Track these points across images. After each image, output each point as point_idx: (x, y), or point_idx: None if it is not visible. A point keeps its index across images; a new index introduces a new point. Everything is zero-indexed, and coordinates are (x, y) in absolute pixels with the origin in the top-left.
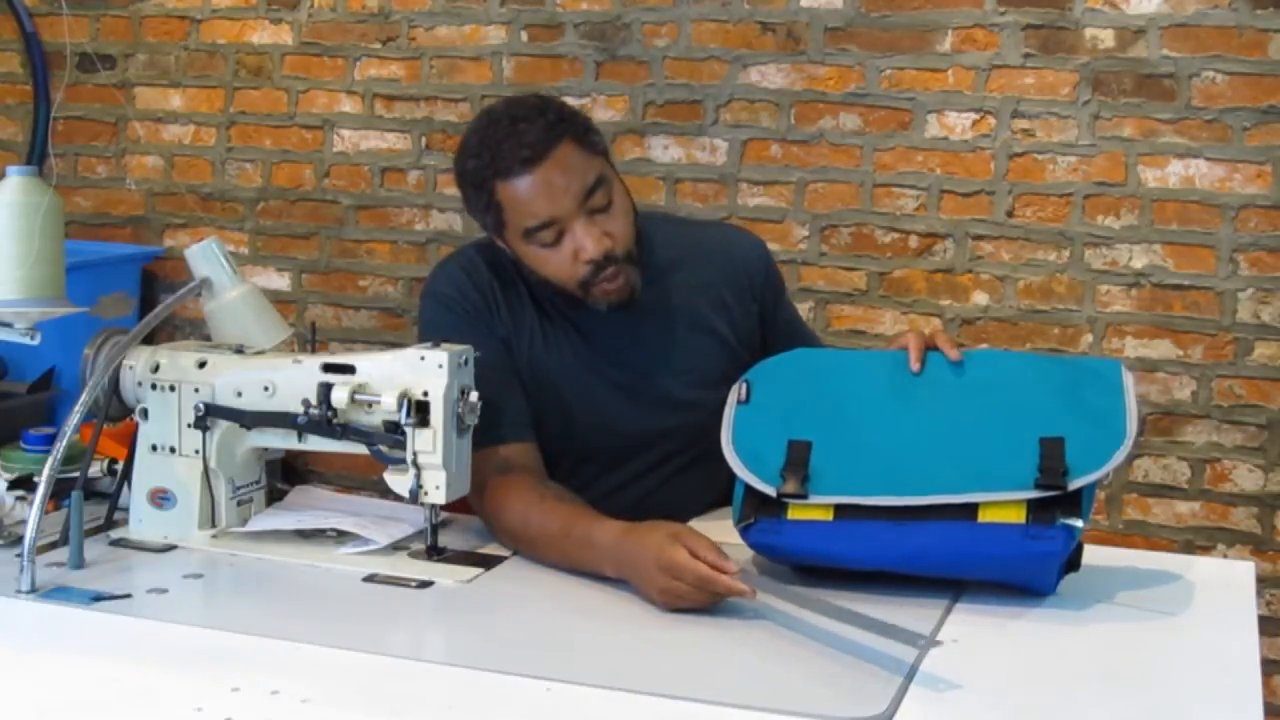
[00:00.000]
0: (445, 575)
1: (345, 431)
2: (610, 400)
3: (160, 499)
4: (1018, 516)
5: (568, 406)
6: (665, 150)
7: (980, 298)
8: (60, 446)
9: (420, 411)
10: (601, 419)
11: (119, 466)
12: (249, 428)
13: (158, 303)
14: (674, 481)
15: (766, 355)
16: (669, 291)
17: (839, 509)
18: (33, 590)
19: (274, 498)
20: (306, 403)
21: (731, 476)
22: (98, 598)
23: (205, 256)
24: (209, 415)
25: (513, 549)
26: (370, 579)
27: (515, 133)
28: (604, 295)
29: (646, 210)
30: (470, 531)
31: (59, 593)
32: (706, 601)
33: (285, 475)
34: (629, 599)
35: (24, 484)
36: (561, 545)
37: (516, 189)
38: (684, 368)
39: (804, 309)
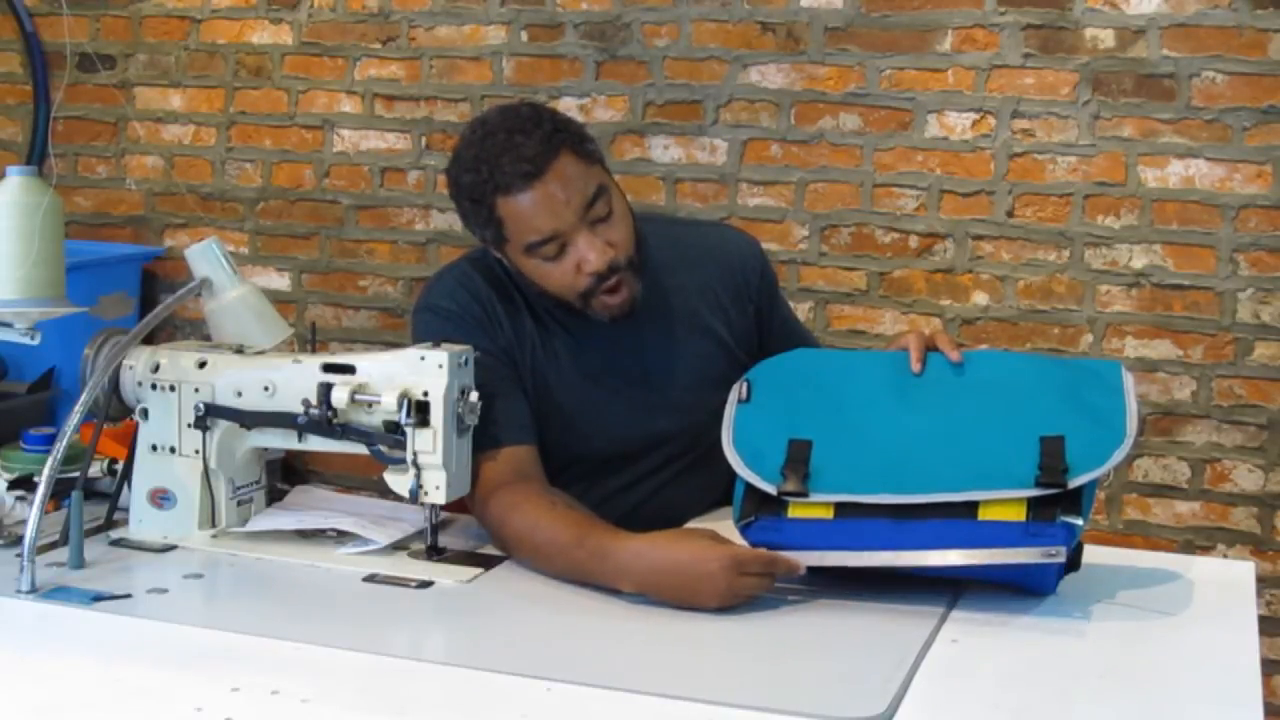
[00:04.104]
0: (445, 575)
1: (345, 431)
2: (610, 406)
3: (160, 499)
4: (1018, 514)
5: (568, 414)
6: (665, 150)
7: (980, 298)
8: (60, 446)
9: (420, 411)
10: (602, 425)
11: (119, 466)
12: (249, 428)
13: (158, 303)
14: (674, 484)
15: (763, 355)
16: (665, 294)
17: (839, 507)
18: (33, 590)
19: (274, 498)
20: (306, 403)
21: (730, 478)
22: (98, 598)
23: (205, 256)
24: (209, 415)
25: (513, 556)
26: (370, 579)
27: (513, 146)
28: (604, 309)
29: (641, 211)
30: (470, 531)
31: (59, 593)
32: (769, 588)
33: (285, 475)
34: (628, 598)
35: (24, 484)
36: (572, 555)
37: (518, 204)
38: (682, 370)
39: (804, 309)
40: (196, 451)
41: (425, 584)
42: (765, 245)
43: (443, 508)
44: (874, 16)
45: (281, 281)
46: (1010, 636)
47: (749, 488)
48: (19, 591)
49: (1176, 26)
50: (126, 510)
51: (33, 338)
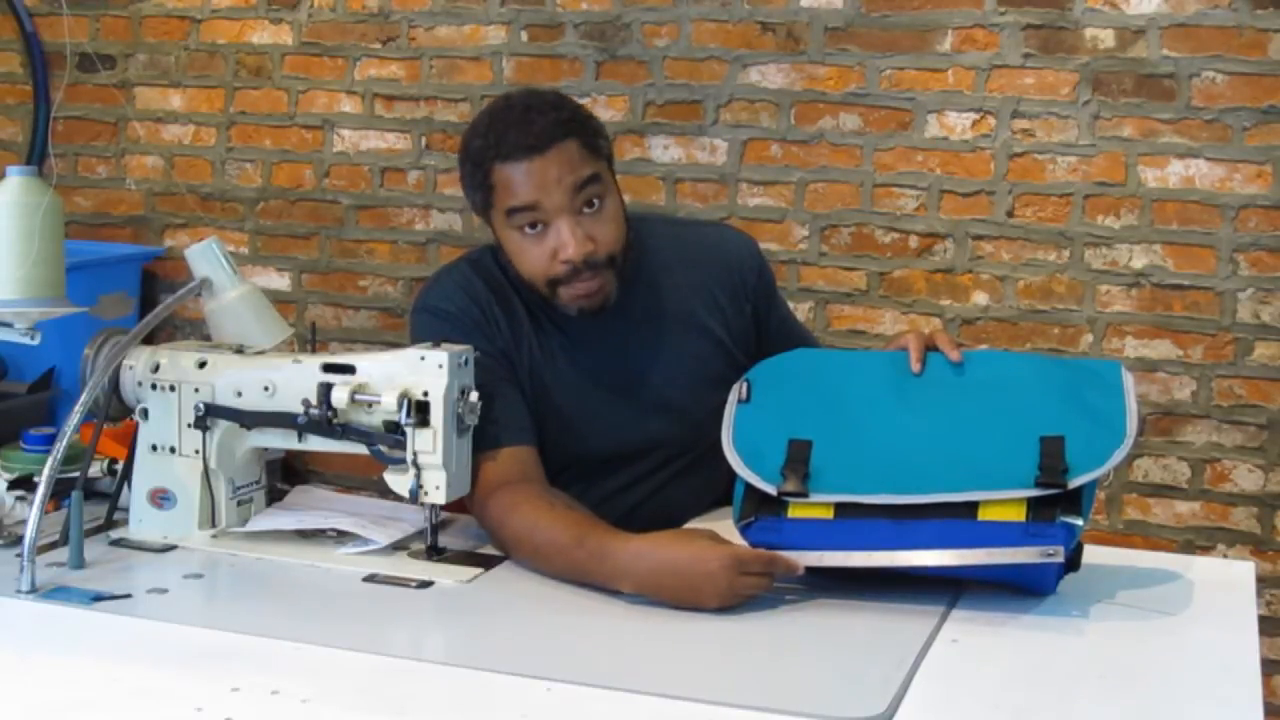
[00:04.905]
0: (445, 575)
1: (345, 431)
2: (607, 406)
3: (160, 499)
4: (1018, 515)
5: (566, 415)
6: (665, 150)
7: (980, 298)
8: (60, 446)
9: (420, 411)
10: (599, 425)
11: (119, 466)
12: (249, 428)
13: (158, 303)
14: (673, 484)
15: (761, 355)
16: (663, 294)
17: (839, 507)
18: (33, 590)
19: (274, 498)
20: (306, 403)
21: (730, 478)
22: (98, 598)
23: (205, 256)
24: (209, 415)
25: (512, 556)
26: (370, 579)
27: (525, 121)
28: (573, 299)
29: (639, 211)
30: (470, 531)
31: (59, 593)
32: (769, 588)
33: (285, 475)
34: (628, 598)
35: (24, 484)
36: (572, 555)
37: (511, 173)
38: (680, 370)
39: (804, 309)
40: (196, 451)
41: (425, 584)
42: (765, 245)
43: (443, 508)
44: (874, 16)
45: (281, 281)
46: (1010, 636)
47: (749, 488)
48: (19, 591)
49: (1176, 26)
50: (126, 510)
51: (33, 338)
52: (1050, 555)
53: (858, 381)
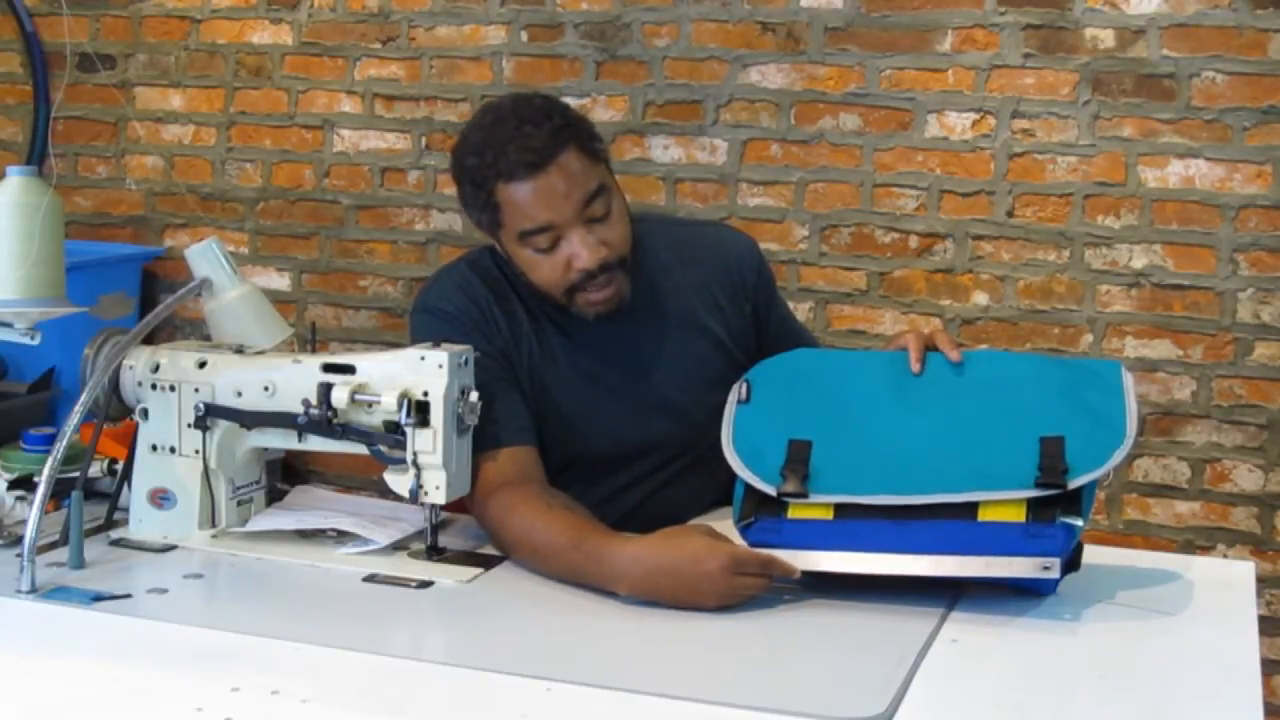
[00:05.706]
0: (445, 575)
1: (345, 431)
2: (608, 406)
3: (160, 499)
4: (1018, 515)
5: (565, 414)
6: (665, 150)
7: (980, 298)
8: (60, 446)
9: (420, 411)
10: (599, 425)
11: (119, 466)
12: (249, 428)
13: (158, 303)
14: (673, 484)
15: (761, 356)
16: (662, 294)
17: (839, 508)
18: (33, 590)
19: (274, 498)
20: (306, 403)
21: (730, 478)
22: (98, 598)
23: (205, 256)
24: (209, 415)
25: (510, 556)
26: (370, 579)
27: (521, 135)
28: (589, 305)
29: (638, 211)
30: (470, 531)
31: (59, 593)
32: (767, 588)
33: (285, 475)
34: (627, 597)
35: (24, 484)
36: (569, 557)
37: (517, 192)
38: (680, 370)
39: (804, 309)
40: (196, 451)
41: (425, 584)
42: (765, 245)
43: (443, 508)
44: (874, 16)
45: (281, 281)
46: (1010, 636)
47: (749, 488)
48: (19, 591)
49: (1176, 26)
50: (126, 510)
51: (33, 338)
52: (1046, 569)
53: (857, 381)
